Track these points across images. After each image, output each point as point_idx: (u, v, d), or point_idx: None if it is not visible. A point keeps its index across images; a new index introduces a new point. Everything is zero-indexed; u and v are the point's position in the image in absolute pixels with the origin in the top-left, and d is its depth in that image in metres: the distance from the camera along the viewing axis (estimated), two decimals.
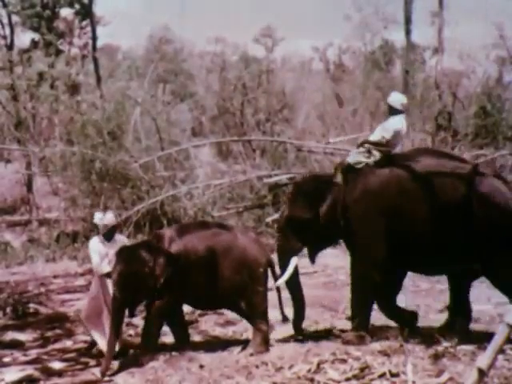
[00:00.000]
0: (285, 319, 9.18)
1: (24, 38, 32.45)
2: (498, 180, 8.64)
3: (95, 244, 9.41)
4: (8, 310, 12.05)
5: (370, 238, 8.62)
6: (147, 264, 8.62)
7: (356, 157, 8.94)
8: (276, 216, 16.70)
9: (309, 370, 7.47)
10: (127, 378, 8.25)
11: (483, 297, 11.40)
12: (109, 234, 9.42)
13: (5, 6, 30.53)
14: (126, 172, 19.66)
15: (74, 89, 30.42)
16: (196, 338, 9.76)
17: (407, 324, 8.88)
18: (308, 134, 28.01)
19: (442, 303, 10.34)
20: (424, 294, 11.90)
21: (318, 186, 9.00)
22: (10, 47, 30.71)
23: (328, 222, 8.81)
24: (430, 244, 8.45)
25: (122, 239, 9.61)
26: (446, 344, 7.99)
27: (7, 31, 31.14)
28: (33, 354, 9.48)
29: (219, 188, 19.04)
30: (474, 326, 9.16)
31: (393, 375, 7.14)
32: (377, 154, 8.88)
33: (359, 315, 8.80)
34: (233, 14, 63.53)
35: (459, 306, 9.12)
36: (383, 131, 8.95)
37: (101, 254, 9.28)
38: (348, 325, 9.09)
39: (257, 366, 7.84)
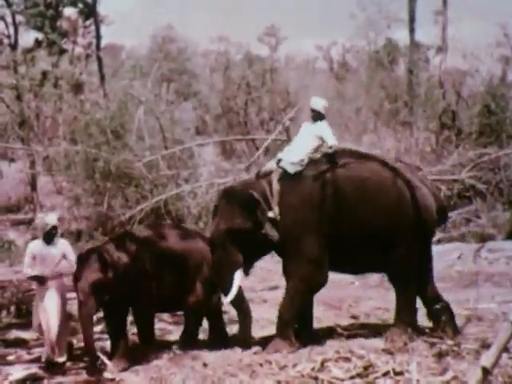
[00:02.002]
0: None
1: (28, 37, 32.56)
2: (419, 180, 9.19)
3: (33, 246, 9.18)
4: (12, 308, 12.05)
5: (310, 240, 8.61)
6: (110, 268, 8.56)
7: (293, 167, 8.84)
8: None
9: (313, 369, 7.46)
10: (131, 376, 8.26)
11: (487, 295, 11.43)
12: (49, 237, 9.13)
13: (9, 5, 30.56)
14: (130, 171, 19.67)
15: (77, 88, 30.44)
16: (200, 336, 9.75)
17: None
18: None
19: None
20: None
21: (252, 194, 8.69)
22: (14, 46, 30.74)
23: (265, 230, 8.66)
24: (361, 244, 8.67)
25: (62, 243, 9.30)
26: (449, 342, 7.99)
27: (11, 30, 31.19)
28: (37, 352, 9.46)
29: (223, 187, 19.02)
30: (477, 324, 9.15)
31: (397, 373, 7.13)
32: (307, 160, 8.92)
33: (290, 321, 8.75)
34: (236, 13, 63.57)
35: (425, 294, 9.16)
36: (329, 139, 8.91)
37: (39, 257, 9.03)
38: (351, 322, 9.08)
39: (261, 365, 7.84)
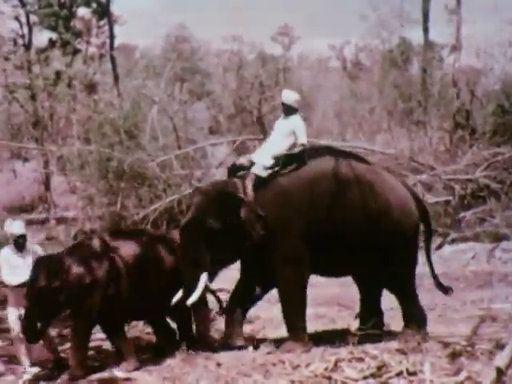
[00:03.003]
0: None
1: (41, 37, 32.67)
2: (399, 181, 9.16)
3: (6, 254, 8.98)
4: None
5: (291, 240, 8.46)
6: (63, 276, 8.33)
7: (266, 172, 8.62)
8: None
9: (326, 369, 7.44)
10: (144, 376, 8.28)
11: (501, 295, 11.39)
12: (19, 244, 8.97)
13: (23, 5, 30.70)
14: (143, 170, 19.70)
15: (91, 88, 30.54)
16: (213, 335, 9.75)
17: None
18: (325, 132, 27.97)
19: None
20: None
21: (228, 194, 8.50)
22: (28, 47, 30.90)
23: (242, 232, 8.40)
24: (338, 244, 8.51)
25: (35, 249, 9.17)
26: (463, 343, 7.96)
27: (25, 30, 31.37)
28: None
29: None
30: (491, 325, 9.11)
31: (410, 374, 7.10)
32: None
33: (297, 321, 8.64)
34: (250, 12, 63.61)
35: (369, 313, 9.13)
36: (300, 137, 8.69)
37: (12, 265, 8.87)
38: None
39: (274, 364, 7.83)
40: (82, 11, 33.26)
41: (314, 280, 9.10)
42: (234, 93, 34.61)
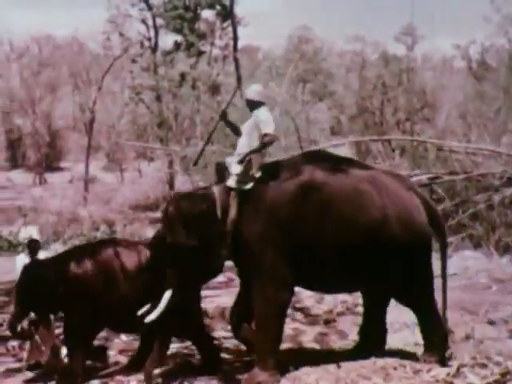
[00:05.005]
0: None
1: (167, 39, 33.39)
2: (407, 188, 8.12)
3: (21, 260, 9.05)
4: None
5: (272, 259, 7.68)
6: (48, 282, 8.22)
7: (238, 183, 7.83)
8: None
9: (448, 374, 7.35)
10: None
11: None
12: (31, 250, 9.01)
13: (150, 8, 31.45)
14: None
15: (214, 89, 30.97)
16: (332, 336, 9.75)
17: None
18: (449, 133, 27.51)
19: None
20: None
21: (201, 207, 7.78)
22: (154, 49, 31.62)
23: (214, 248, 7.77)
24: (331, 259, 7.73)
25: (43, 255, 9.08)
26: None
27: (152, 33, 32.12)
28: (172, 348, 9.62)
29: None
30: None
31: None
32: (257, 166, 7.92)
33: (268, 347, 7.82)
34: (372, 12, 63.22)
35: (372, 330, 8.53)
36: (264, 126, 7.94)
37: None
38: (489, 329, 8.89)
39: (395, 368, 7.76)
40: (206, 13, 33.82)
41: (440, 282, 8.93)
42: (356, 93, 34.54)
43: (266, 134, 7.91)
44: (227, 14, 32.81)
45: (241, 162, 7.82)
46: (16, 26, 58.62)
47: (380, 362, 8.07)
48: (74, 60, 41.64)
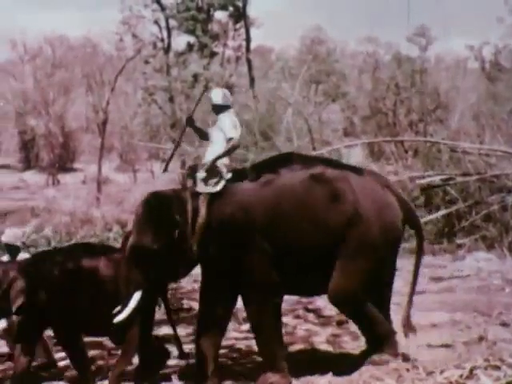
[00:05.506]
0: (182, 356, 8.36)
1: (180, 40, 33.44)
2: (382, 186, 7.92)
3: None
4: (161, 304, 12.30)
5: (255, 263, 7.58)
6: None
7: (207, 187, 7.70)
8: (429, 217, 16.43)
9: (461, 376, 7.30)
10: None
11: None
12: (11, 252, 8.78)
13: (163, 9, 31.53)
14: None
15: (227, 90, 30.97)
16: (345, 338, 9.73)
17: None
18: (462, 134, 27.44)
19: None
20: None
21: (170, 209, 7.58)
22: (167, 50, 31.69)
23: (183, 253, 7.60)
24: (307, 260, 7.59)
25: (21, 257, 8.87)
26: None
27: (164, 34, 32.19)
28: (187, 349, 9.61)
29: None
30: None
31: None
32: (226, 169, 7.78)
33: (274, 349, 7.76)
34: (385, 13, 63.05)
35: None
36: (227, 132, 7.83)
37: None
38: (502, 331, 8.83)
39: (407, 370, 7.72)
40: (219, 14, 33.84)
41: (453, 284, 8.93)
42: (369, 94, 34.50)
43: (230, 139, 7.79)
44: (240, 16, 32.85)
45: (208, 170, 7.72)
46: (29, 27, 58.88)
47: (393, 363, 8.04)
48: (87, 61, 41.82)
